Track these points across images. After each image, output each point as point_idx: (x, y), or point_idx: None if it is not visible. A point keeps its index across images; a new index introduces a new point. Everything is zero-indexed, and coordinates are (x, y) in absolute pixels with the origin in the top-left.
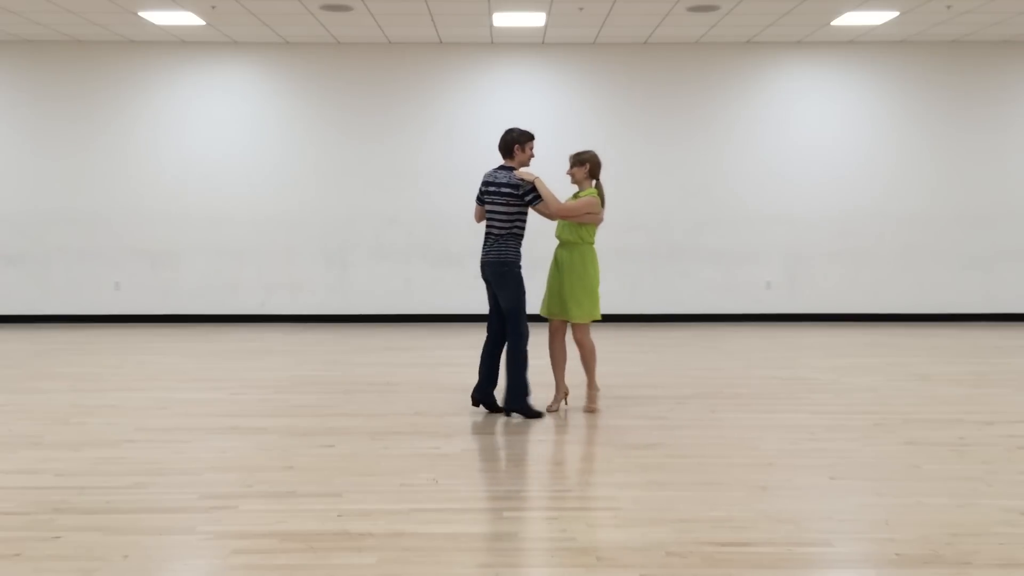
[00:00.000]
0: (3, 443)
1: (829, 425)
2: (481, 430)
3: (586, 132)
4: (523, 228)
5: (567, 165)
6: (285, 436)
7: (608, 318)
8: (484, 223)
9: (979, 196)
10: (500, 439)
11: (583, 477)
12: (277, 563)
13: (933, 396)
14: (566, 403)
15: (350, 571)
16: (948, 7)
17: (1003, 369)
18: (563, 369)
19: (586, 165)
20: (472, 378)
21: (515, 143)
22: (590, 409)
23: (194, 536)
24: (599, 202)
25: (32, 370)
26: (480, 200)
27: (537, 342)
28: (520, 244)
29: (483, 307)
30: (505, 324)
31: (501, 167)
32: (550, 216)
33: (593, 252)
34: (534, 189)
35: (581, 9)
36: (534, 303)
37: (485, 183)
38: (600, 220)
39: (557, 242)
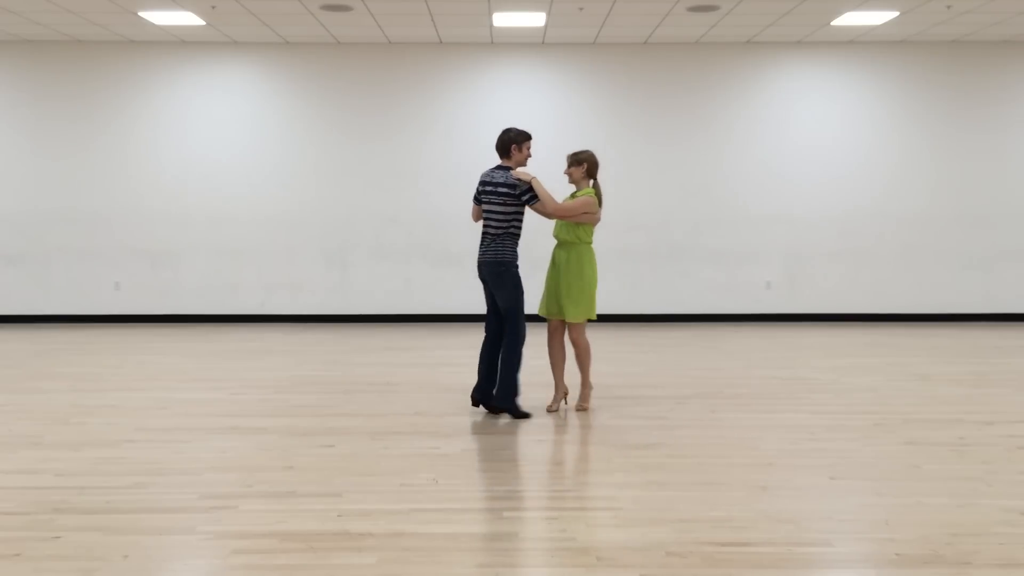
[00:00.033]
0: (3, 443)
1: (829, 425)
2: (481, 430)
3: (586, 132)
4: (520, 228)
5: (565, 165)
6: (285, 436)
7: (608, 318)
8: (481, 223)
9: (979, 196)
10: (500, 439)
11: (583, 477)
12: (277, 563)
13: (933, 396)
14: (566, 402)
15: (350, 571)
16: (948, 7)
17: (1003, 369)
18: (562, 369)
19: (583, 165)
20: (472, 378)
21: (512, 143)
22: (581, 407)
23: (194, 536)
24: (596, 202)
25: (32, 370)
26: (477, 200)
27: (536, 342)
28: (517, 244)
29: (483, 307)
30: (503, 324)
31: (498, 167)
32: (547, 216)
33: (591, 252)
34: (531, 189)
35: (581, 9)
36: (533, 303)
37: (482, 183)
38: (597, 220)
39: (556, 242)
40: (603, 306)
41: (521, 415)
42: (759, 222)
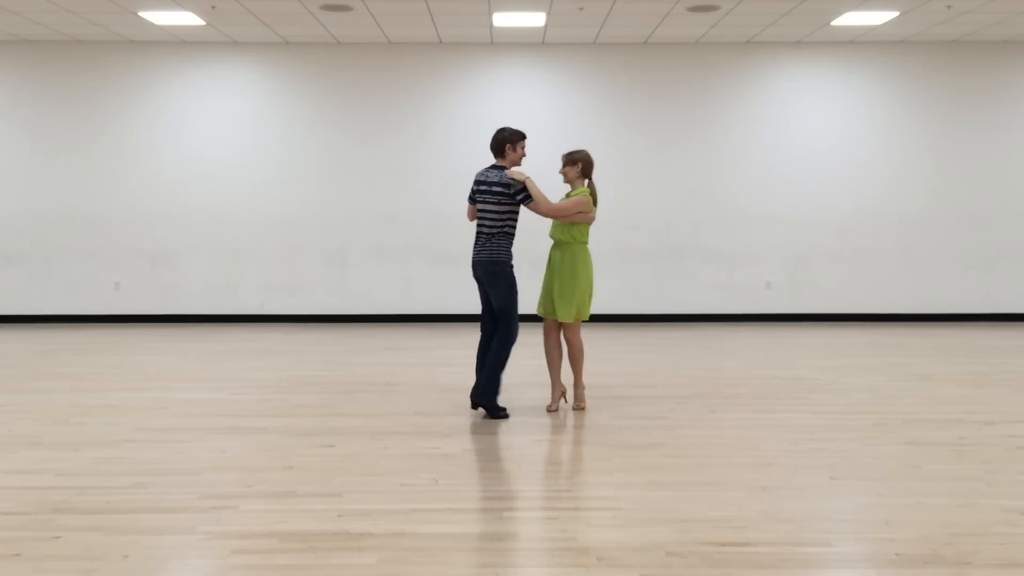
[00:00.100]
0: (3, 443)
1: (829, 425)
2: (481, 430)
3: (586, 132)
4: (514, 227)
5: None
6: (285, 436)
7: (608, 318)
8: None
9: (979, 196)
10: (500, 439)
11: (583, 477)
12: (277, 563)
13: (933, 396)
14: (565, 400)
15: (350, 571)
16: (948, 7)
17: (1003, 369)
18: (559, 368)
19: (578, 164)
20: (472, 378)
21: (506, 142)
22: (578, 407)
23: (194, 536)
24: (590, 201)
25: (32, 370)
26: (472, 199)
27: (536, 342)
28: (512, 243)
29: None
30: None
31: (493, 166)
32: (542, 215)
33: (586, 252)
34: (525, 188)
35: (581, 9)
36: (529, 303)
37: (477, 182)
38: (591, 219)
39: (552, 242)
40: (603, 306)
41: (499, 415)
42: (759, 222)
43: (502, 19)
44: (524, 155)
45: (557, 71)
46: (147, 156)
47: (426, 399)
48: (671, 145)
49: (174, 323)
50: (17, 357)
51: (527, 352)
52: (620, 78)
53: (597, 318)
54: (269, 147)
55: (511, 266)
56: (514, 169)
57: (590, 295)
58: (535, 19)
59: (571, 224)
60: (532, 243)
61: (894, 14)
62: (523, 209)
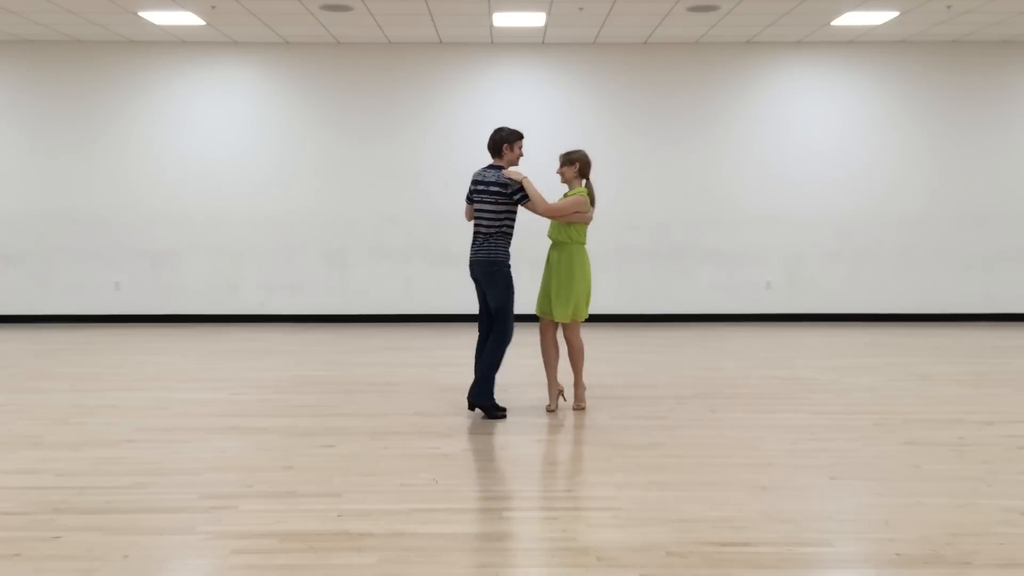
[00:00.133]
0: (3, 443)
1: (829, 425)
2: (481, 430)
3: (586, 132)
4: (512, 227)
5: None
6: (285, 436)
7: (608, 318)
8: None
9: (979, 196)
10: (500, 439)
11: (582, 477)
12: (277, 563)
13: (933, 396)
14: (564, 398)
15: (350, 571)
16: (948, 7)
17: (1003, 369)
18: (555, 367)
19: (575, 164)
20: (471, 378)
21: (504, 142)
22: (578, 407)
23: (194, 536)
24: (588, 201)
25: (32, 370)
26: (469, 199)
27: (534, 342)
28: (509, 243)
29: None
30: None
31: (490, 166)
32: (539, 215)
33: (583, 252)
34: (522, 188)
35: (581, 9)
36: (528, 303)
37: (474, 182)
38: (589, 219)
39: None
40: (603, 306)
41: (496, 414)
42: (759, 222)
43: (502, 19)
44: (521, 155)
45: (557, 71)
46: (147, 156)
47: (426, 399)
48: (671, 145)
49: (174, 323)
50: (17, 357)
51: (526, 352)
52: (620, 78)
53: (597, 318)
54: (269, 147)
55: (509, 266)
56: (511, 169)
57: (588, 296)
58: (535, 19)
59: (568, 224)
60: (531, 243)
61: (894, 14)
62: (521, 209)
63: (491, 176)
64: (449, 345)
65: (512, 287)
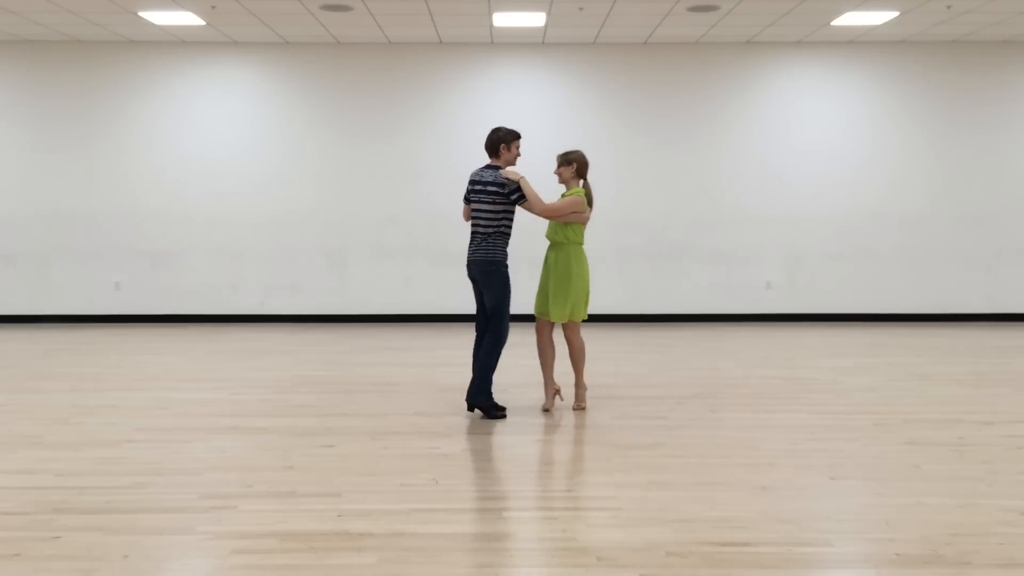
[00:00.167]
0: (3, 443)
1: (829, 425)
2: (480, 430)
3: (586, 132)
4: (510, 227)
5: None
6: (285, 436)
7: (608, 318)
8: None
9: (979, 196)
10: (500, 439)
11: (583, 477)
12: (277, 563)
13: (933, 396)
14: (560, 398)
15: (350, 571)
16: (948, 7)
17: (1003, 369)
18: (552, 367)
19: (573, 164)
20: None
21: (501, 142)
22: (578, 407)
23: (194, 536)
24: (584, 201)
25: (32, 370)
26: (467, 199)
27: (532, 342)
28: (507, 243)
29: None
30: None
31: (487, 166)
32: (537, 215)
33: (580, 252)
34: (519, 188)
35: (581, 9)
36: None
37: (471, 182)
38: (586, 220)
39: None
40: (603, 306)
41: (495, 414)
42: (759, 222)
43: (502, 19)
44: (519, 155)
45: (557, 71)
46: (147, 156)
47: (426, 399)
48: (671, 145)
49: (174, 323)
50: (17, 357)
51: (526, 352)
52: (620, 78)
53: (597, 318)
54: (269, 147)
55: (506, 266)
56: (508, 169)
57: (586, 296)
58: (535, 19)
59: (565, 224)
60: (531, 243)
61: (894, 14)
62: (520, 209)
63: (488, 176)
64: (449, 345)
65: (509, 287)
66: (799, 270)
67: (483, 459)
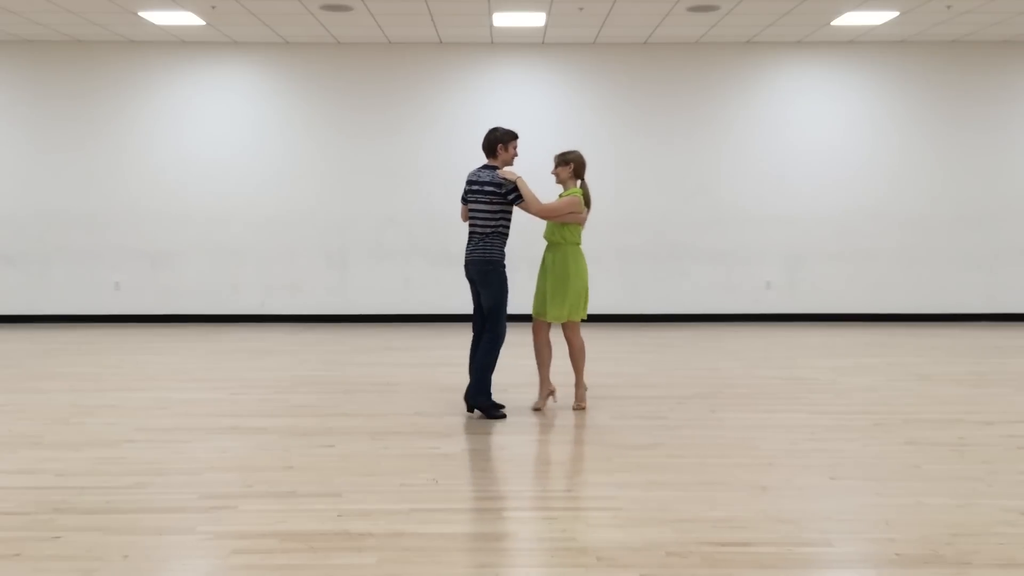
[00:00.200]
0: (3, 443)
1: (829, 425)
2: (481, 430)
3: (586, 132)
4: (508, 227)
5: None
6: (285, 436)
7: (608, 318)
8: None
9: (979, 196)
10: (500, 439)
11: (583, 477)
12: (277, 563)
13: (933, 396)
14: (554, 399)
15: (350, 571)
16: (948, 7)
17: (1003, 369)
18: (548, 367)
19: (570, 165)
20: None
21: (498, 142)
22: (579, 407)
23: (194, 536)
24: (581, 202)
25: (32, 370)
26: (464, 200)
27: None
28: (505, 243)
29: None
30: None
31: (484, 166)
32: (534, 215)
33: (578, 252)
34: (516, 188)
35: (581, 9)
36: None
37: (469, 182)
38: (583, 220)
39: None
40: (603, 306)
41: (495, 415)
42: (759, 222)
43: (502, 19)
44: (516, 155)
45: (557, 71)
46: (147, 156)
47: (426, 399)
48: (671, 145)
49: (174, 323)
50: (17, 357)
51: (526, 352)
52: (620, 78)
53: (597, 318)
54: (269, 147)
55: (504, 266)
56: (506, 169)
57: (584, 296)
58: (535, 19)
59: (562, 225)
60: (530, 244)
61: (894, 14)
62: (520, 210)
63: (485, 176)
64: (449, 345)
65: (506, 287)
66: (799, 270)
67: (483, 459)
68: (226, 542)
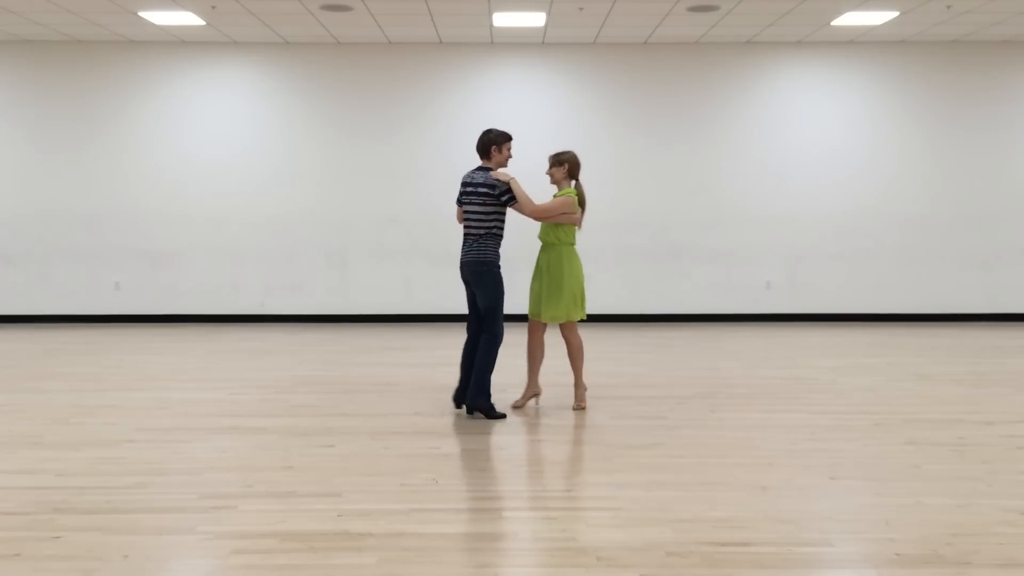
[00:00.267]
0: (3, 443)
1: (829, 425)
2: (480, 430)
3: (586, 132)
4: (502, 228)
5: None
6: (285, 436)
7: (608, 318)
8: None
9: (979, 196)
10: (499, 439)
11: (583, 477)
12: (277, 563)
13: (933, 396)
14: (536, 402)
15: (350, 571)
16: (948, 7)
17: (1003, 369)
18: (538, 370)
19: (564, 165)
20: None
21: (492, 144)
22: (578, 407)
23: (194, 536)
24: (575, 202)
25: (32, 370)
26: (459, 201)
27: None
28: (499, 244)
29: None
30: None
31: (478, 168)
32: (528, 216)
33: (572, 253)
34: (510, 189)
35: (581, 9)
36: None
37: (463, 184)
38: (577, 221)
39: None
40: (603, 306)
41: (495, 415)
42: (759, 222)
43: (502, 19)
44: (510, 156)
45: (557, 71)
46: (147, 156)
47: (426, 399)
48: (671, 145)
49: (174, 323)
50: (17, 357)
51: (524, 352)
52: (620, 78)
53: (597, 318)
54: (269, 147)
55: (498, 267)
56: (499, 170)
57: (581, 296)
58: (535, 19)
59: (557, 225)
60: (527, 244)
61: (894, 14)
62: (515, 211)
63: (479, 178)
64: (449, 345)
65: (502, 288)
66: (799, 270)
67: (483, 459)
68: (226, 542)
